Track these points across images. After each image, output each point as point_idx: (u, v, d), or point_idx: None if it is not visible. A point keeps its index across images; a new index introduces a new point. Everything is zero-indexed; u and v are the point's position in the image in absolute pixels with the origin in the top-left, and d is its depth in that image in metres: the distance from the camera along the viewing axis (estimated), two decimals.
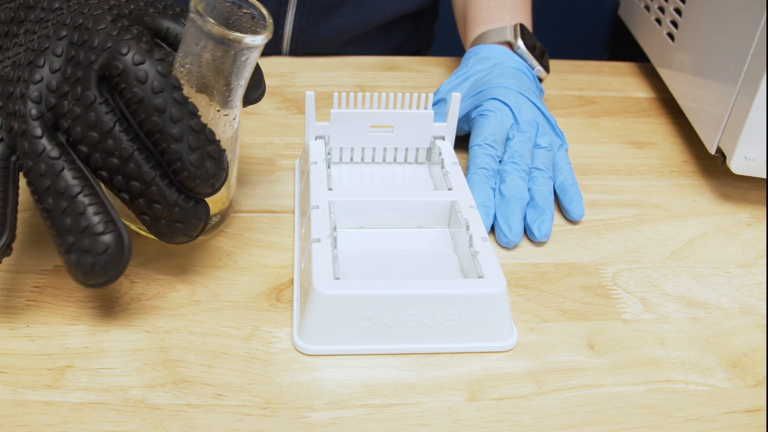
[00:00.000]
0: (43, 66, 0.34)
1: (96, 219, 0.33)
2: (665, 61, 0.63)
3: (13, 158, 0.35)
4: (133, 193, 0.35)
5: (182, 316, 0.38)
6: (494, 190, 0.47)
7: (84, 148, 0.34)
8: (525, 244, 0.46)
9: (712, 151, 0.51)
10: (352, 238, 0.43)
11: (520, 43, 0.58)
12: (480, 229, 0.40)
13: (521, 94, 0.53)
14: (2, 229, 0.34)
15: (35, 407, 0.33)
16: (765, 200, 0.52)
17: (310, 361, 0.36)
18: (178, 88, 0.34)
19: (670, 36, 0.62)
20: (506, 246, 0.45)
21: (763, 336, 0.40)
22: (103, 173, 0.35)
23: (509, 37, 0.58)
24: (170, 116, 0.33)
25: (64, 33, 0.35)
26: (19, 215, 0.45)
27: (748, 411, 0.35)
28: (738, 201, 0.51)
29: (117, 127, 0.34)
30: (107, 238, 0.33)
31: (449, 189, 0.44)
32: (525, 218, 0.46)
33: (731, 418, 0.35)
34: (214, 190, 0.36)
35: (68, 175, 0.33)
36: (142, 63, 0.33)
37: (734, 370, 0.37)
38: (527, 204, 0.47)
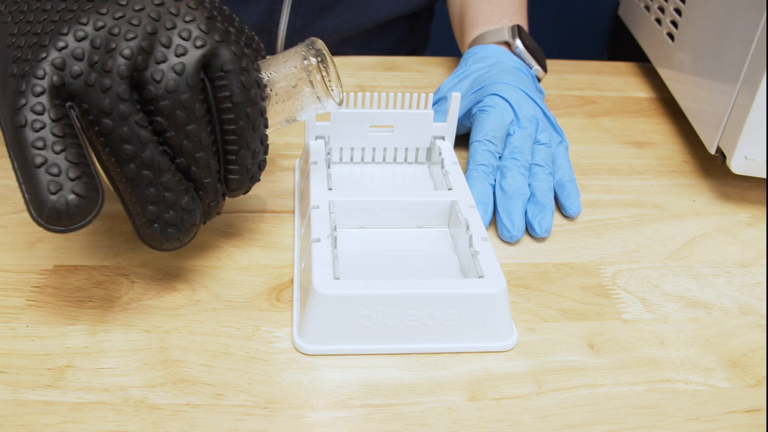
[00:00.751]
0: (138, 25, 0.33)
1: (184, 195, 0.35)
2: (665, 61, 0.63)
3: (73, 109, 0.33)
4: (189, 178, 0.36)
5: (182, 316, 0.38)
6: (493, 186, 0.48)
7: (165, 123, 0.34)
8: (525, 244, 0.46)
9: (712, 151, 0.51)
10: (352, 238, 0.43)
11: (519, 42, 0.58)
12: (480, 229, 0.40)
13: (522, 90, 0.53)
14: (96, 190, 0.32)
15: (35, 407, 0.33)
16: (765, 200, 0.52)
17: (310, 361, 0.36)
18: (264, 100, 0.36)
19: (670, 36, 0.62)
20: (509, 241, 0.46)
21: (763, 336, 0.40)
22: (170, 151, 0.35)
23: (507, 37, 0.58)
24: (253, 125, 0.36)
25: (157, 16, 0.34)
26: (19, 216, 0.45)
27: (748, 411, 0.35)
28: (738, 201, 0.51)
29: (205, 116, 0.34)
30: (196, 213, 0.36)
31: (449, 189, 0.44)
32: (526, 214, 0.46)
33: (731, 418, 0.35)
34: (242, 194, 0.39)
35: (153, 145, 0.33)
36: (247, 71, 0.35)
37: (734, 370, 0.37)
38: (528, 200, 0.47)
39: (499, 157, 0.49)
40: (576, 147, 0.56)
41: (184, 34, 0.34)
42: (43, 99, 0.31)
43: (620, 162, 0.56)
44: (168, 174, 0.34)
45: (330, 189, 0.43)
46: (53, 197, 0.31)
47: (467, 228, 0.40)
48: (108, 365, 0.35)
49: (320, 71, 0.38)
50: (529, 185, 0.48)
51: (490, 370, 0.36)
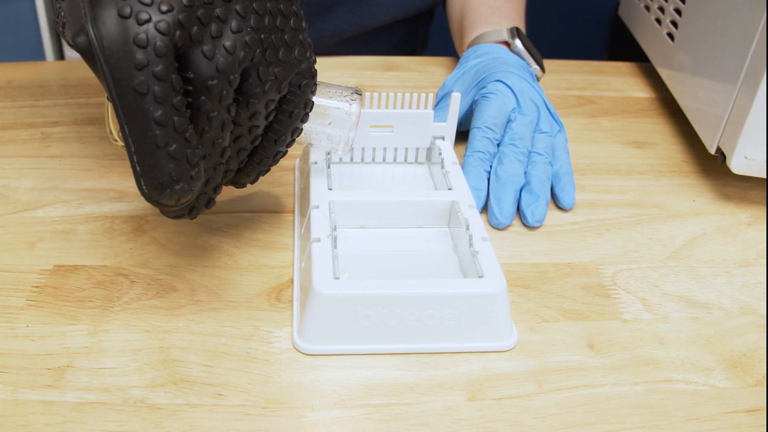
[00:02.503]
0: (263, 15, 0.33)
1: (196, 156, 0.34)
2: (665, 61, 0.63)
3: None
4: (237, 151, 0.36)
5: (182, 316, 0.38)
6: (488, 173, 0.48)
7: (208, 103, 0.33)
8: (525, 244, 0.46)
9: (712, 151, 0.51)
10: (352, 237, 0.43)
11: (518, 42, 0.58)
12: (480, 229, 0.40)
13: (523, 78, 0.53)
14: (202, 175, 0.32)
15: (35, 407, 0.33)
16: (765, 200, 0.52)
17: (310, 361, 0.36)
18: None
19: (670, 36, 0.62)
20: (497, 227, 0.46)
21: (763, 336, 0.40)
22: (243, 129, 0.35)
23: (506, 37, 0.59)
24: (292, 131, 0.38)
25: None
26: (19, 216, 0.45)
27: (748, 411, 0.35)
28: (738, 201, 0.51)
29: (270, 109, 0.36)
30: (200, 177, 0.34)
31: (449, 189, 0.44)
32: (519, 202, 0.47)
33: (731, 418, 0.35)
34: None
35: (184, 118, 0.32)
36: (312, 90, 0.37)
37: (734, 370, 0.37)
38: (523, 188, 0.47)
39: (498, 144, 0.50)
40: (576, 147, 0.56)
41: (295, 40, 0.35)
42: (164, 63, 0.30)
43: (620, 162, 0.56)
44: (187, 133, 0.32)
45: (330, 189, 0.43)
46: (177, 186, 0.31)
47: (467, 228, 0.40)
48: (108, 365, 0.35)
49: (357, 125, 0.41)
50: (526, 173, 0.48)
51: (490, 370, 0.36)
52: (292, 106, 0.37)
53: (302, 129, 0.39)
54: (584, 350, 0.38)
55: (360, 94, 0.41)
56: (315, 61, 0.37)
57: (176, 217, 0.35)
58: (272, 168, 0.38)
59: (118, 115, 0.30)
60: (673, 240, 0.47)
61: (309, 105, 0.38)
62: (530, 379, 0.36)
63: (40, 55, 1.41)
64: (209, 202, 0.36)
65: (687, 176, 0.54)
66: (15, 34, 1.39)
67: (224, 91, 0.32)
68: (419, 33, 0.82)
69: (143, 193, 0.31)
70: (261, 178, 0.40)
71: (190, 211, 0.35)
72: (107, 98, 0.38)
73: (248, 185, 0.40)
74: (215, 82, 0.32)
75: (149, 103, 0.30)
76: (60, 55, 1.46)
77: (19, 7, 1.37)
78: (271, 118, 0.37)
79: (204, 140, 0.33)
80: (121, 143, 0.40)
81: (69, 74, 0.64)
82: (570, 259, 0.45)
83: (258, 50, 0.33)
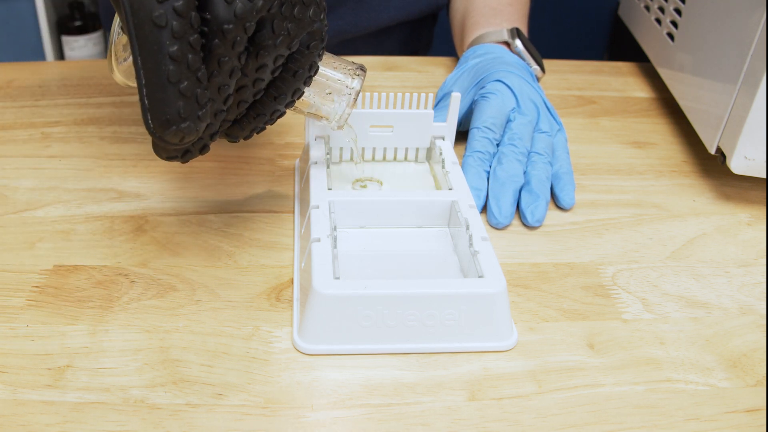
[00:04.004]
0: None
1: (205, 97, 0.34)
2: (665, 61, 0.63)
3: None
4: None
5: (182, 316, 0.38)
6: (488, 173, 0.48)
7: (221, 47, 0.33)
8: (525, 244, 0.46)
9: (712, 151, 0.51)
10: (352, 237, 0.43)
11: (518, 42, 0.58)
12: (480, 229, 0.40)
13: (523, 78, 0.53)
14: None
15: (35, 407, 0.33)
16: (765, 200, 0.52)
17: (310, 360, 0.36)
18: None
19: (670, 36, 0.62)
20: (496, 226, 0.46)
21: (763, 336, 0.40)
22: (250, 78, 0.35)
23: (507, 37, 0.59)
24: (294, 91, 0.38)
25: None
26: (19, 216, 0.45)
27: (748, 411, 0.35)
28: (738, 201, 0.51)
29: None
30: (206, 119, 0.34)
31: (449, 189, 0.44)
32: (519, 202, 0.47)
33: (731, 417, 0.35)
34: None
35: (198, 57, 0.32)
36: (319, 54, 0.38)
37: (734, 369, 0.37)
38: (522, 187, 0.47)
39: (498, 144, 0.50)
40: (576, 147, 0.56)
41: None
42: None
43: (620, 162, 0.56)
44: (199, 73, 0.32)
45: (330, 189, 0.43)
46: (183, 125, 0.31)
47: (467, 228, 0.40)
48: (108, 365, 0.35)
49: (355, 101, 0.41)
50: (526, 173, 0.48)
51: (490, 370, 0.36)
52: (298, 66, 0.37)
53: (303, 92, 0.38)
54: (584, 350, 0.38)
55: (364, 71, 0.41)
56: (327, 26, 0.37)
57: (169, 158, 0.35)
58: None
59: (132, 47, 0.30)
60: (673, 240, 0.47)
61: (314, 68, 0.38)
62: (530, 379, 0.36)
63: (40, 55, 1.41)
64: (203, 148, 0.36)
65: (687, 176, 0.54)
66: (15, 34, 1.39)
67: (238, 38, 0.32)
68: (422, 36, 0.82)
69: (148, 128, 0.31)
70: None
71: (183, 155, 0.35)
72: (116, 31, 0.38)
73: (241, 141, 0.39)
74: (231, 26, 0.32)
75: (166, 37, 0.30)
76: (60, 55, 1.46)
77: (19, 7, 1.37)
78: (276, 74, 0.37)
79: (211, 84, 0.33)
80: (121, 78, 0.40)
81: (69, 74, 0.64)
82: (570, 259, 0.45)
83: (276, 2, 0.33)
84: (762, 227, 0.49)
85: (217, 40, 0.32)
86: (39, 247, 0.43)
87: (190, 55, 0.30)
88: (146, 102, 0.31)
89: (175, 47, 0.30)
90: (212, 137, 0.36)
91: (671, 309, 0.41)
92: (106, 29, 1.24)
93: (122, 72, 0.40)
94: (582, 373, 0.37)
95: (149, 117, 0.31)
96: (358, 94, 0.41)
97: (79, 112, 0.58)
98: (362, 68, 0.42)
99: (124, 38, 0.38)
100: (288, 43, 0.35)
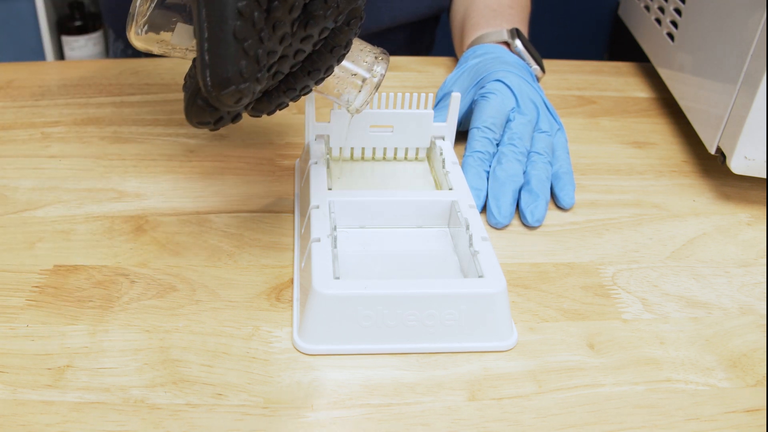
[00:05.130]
0: None
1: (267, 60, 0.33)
2: (665, 61, 0.63)
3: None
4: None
5: (182, 316, 0.38)
6: (488, 173, 0.48)
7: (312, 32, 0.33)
8: (525, 244, 0.46)
9: (712, 151, 0.51)
10: (352, 237, 0.43)
11: (518, 42, 0.58)
12: (480, 229, 0.40)
13: (523, 77, 0.53)
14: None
15: (35, 407, 0.33)
16: (765, 200, 0.52)
17: (310, 361, 0.36)
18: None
19: (670, 36, 0.62)
20: (495, 226, 0.46)
21: (763, 336, 0.40)
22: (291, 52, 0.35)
23: (506, 38, 0.59)
24: (327, 68, 0.37)
25: None
26: (18, 216, 0.45)
27: (748, 411, 0.35)
28: (738, 201, 0.51)
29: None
30: (262, 82, 0.33)
31: (449, 189, 0.44)
32: (519, 202, 0.47)
33: (731, 417, 0.35)
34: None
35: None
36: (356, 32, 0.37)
37: (734, 369, 0.37)
38: (522, 187, 0.47)
39: (497, 144, 0.50)
40: (576, 147, 0.56)
41: None
42: None
43: (620, 162, 0.56)
44: (263, 33, 0.31)
45: (330, 189, 0.43)
46: (243, 85, 0.29)
47: (467, 228, 0.40)
48: (108, 365, 0.35)
49: (377, 86, 0.41)
50: (525, 173, 0.48)
51: (490, 370, 0.36)
52: (336, 41, 0.36)
53: (334, 69, 0.38)
54: (584, 350, 0.38)
55: (388, 56, 0.42)
56: (364, 5, 0.36)
57: (200, 123, 0.33)
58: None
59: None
60: (673, 240, 0.47)
61: (349, 46, 0.37)
62: (530, 379, 0.36)
63: (40, 55, 1.41)
64: (237, 117, 0.34)
65: (687, 176, 0.54)
66: (15, 34, 1.39)
67: (296, 3, 0.31)
68: (424, 37, 0.82)
69: (205, 85, 0.29)
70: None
71: (217, 122, 0.33)
72: None
73: (263, 117, 0.38)
74: None
75: None
76: (60, 55, 1.46)
77: (19, 7, 1.37)
78: (316, 48, 0.36)
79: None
80: (142, 44, 0.38)
81: (69, 74, 0.64)
82: (570, 259, 0.45)
83: None
84: (762, 227, 0.49)
85: (276, 2, 0.31)
86: (39, 247, 0.43)
87: (256, 13, 0.29)
88: (206, 58, 0.29)
89: (244, 2, 0.29)
90: (247, 106, 0.34)
91: (671, 309, 0.41)
92: (107, 29, 1.24)
93: (143, 38, 0.38)
94: (582, 373, 0.37)
95: (208, 74, 0.29)
96: (382, 79, 0.41)
97: (79, 112, 0.58)
98: (386, 53, 0.42)
99: (147, 1, 0.37)
100: (335, 16, 0.34)
